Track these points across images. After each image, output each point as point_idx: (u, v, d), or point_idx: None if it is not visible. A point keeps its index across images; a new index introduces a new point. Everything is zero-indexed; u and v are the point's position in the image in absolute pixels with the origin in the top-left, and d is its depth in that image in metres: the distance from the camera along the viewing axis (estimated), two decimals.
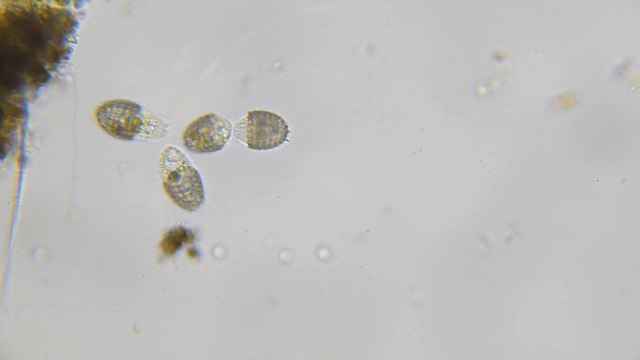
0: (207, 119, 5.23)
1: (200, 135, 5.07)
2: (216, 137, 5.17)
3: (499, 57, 5.35)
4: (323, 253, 5.37)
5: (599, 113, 5.35)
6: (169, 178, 5.11)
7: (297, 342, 5.38)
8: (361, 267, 5.38)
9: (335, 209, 5.38)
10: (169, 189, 5.25)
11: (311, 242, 5.38)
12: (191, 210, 5.30)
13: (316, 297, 5.36)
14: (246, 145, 5.27)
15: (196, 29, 5.33)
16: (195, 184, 5.27)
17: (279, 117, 5.27)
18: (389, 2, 5.35)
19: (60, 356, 5.36)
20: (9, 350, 5.35)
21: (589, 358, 5.37)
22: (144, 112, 5.24)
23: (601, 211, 5.36)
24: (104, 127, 5.24)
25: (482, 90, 5.36)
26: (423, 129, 5.36)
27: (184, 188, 5.26)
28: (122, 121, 5.18)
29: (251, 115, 5.26)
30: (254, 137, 5.24)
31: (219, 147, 5.25)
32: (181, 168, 5.22)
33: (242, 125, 5.24)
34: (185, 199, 5.28)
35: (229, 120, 5.27)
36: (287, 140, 5.28)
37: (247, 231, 5.37)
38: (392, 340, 5.38)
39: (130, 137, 5.26)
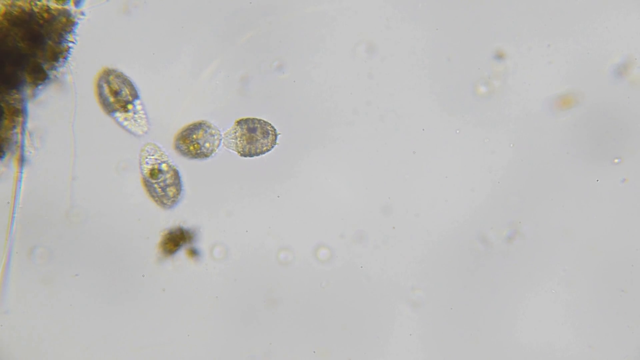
0: (200, 126, 5.24)
1: (193, 140, 5.08)
2: (207, 145, 5.18)
3: (499, 57, 5.35)
4: (323, 253, 5.37)
5: (599, 113, 5.35)
6: (152, 175, 5.10)
7: (297, 342, 5.39)
8: (361, 267, 5.39)
9: (335, 209, 5.38)
10: (149, 185, 5.24)
11: (311, 242, 5.38)
12: (168, 207, 5.28)
13: (322, 286, 5.36)
14: (237, 154, 5.27)
15: (196, 29, 5.33)
16: (177, 180, 5.27)
17: (267, 122, 5.28)
18: (389, 2, 5.35)
19: (60, 356, 5.36)
20: (9, 350, 5.35)
21: (589, 358, 5.37)
22: (137, 103, 5.23)
23: (601, 211, 5.36)
24: (97, 86, 5.22)
25: (482, 90, 5.36)
26: (423, 129, 5.37)
27: (166, 184, 5.25)
28: (116, 91, 5.17)
29: (239, 123, 5.26)
30: (245, 144, 5.24)
31: (207, 156, 5.26)
32: (165, 165, 5.22)
33: (231, 135, 5.24)
34: (167, 195, 5.26)
35: (219, 129, 5.28)
36: (277, 144, 5.29)
37: (247, 231, 5.37)
38: (392, 340, 5.39)
39: (110, 112, 5.24)
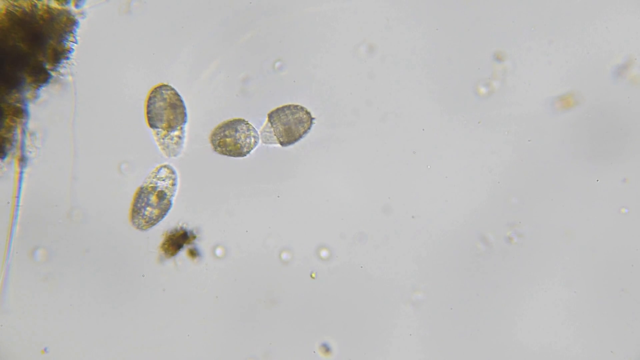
0: (238, 123, 5.22)
1: (233, 139, 5.07)
2: (245, 144, 5.18)
3: (499, 57, 5.35)
4: (323, 253, 5.37)
5: (599, 113, 5.35)
6: (156, 196, 5.12)
7: (297, 342, 5.38)
8: (361, 267, 5.39)
9: (335, 209, 5.38)
10: (140, 197, 5.24)
11: (311, 242, 5.38)
12: (137, 227, 5.27)
13: (313, 277, 5.36)
14: (279, 145, 5.28)
15: (196, 29, 5.34)
16: (163, 211, 5.28)
17: (297, 107, 5.26)
18: (389, 2, 5.36)
19: (60, 356, 5.36)
20: (9, 350, 5.35)
21: (589, 358, 5.36)
22: (180, 129, 5.25)
23: (601, 211, 5.36)
24: (156, 97, 5.22)
25: (482, 90, 5.36)
26: (423, 129, 5.37)
27: (154, 207, 5.24)
28: (164, 111, 5.17)
29: (271, 116, 5.25)
30: (284, 135, 5.24)
31: (243, 154, 5.26)
32: (169, 192, 5.22)
33: (267, 130, 5.23)
34: (149, 216, 5.25)
35: (255, 127, 5.28)
36: (314, 120, 5.28)
37: (247, 231, 5.37)
38: (392, 340, 5.38)
39: (151, 124, 5.25)
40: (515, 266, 5.37)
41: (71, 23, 5.22)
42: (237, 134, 5.19)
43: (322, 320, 5.39)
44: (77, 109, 5.29)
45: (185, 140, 5.29)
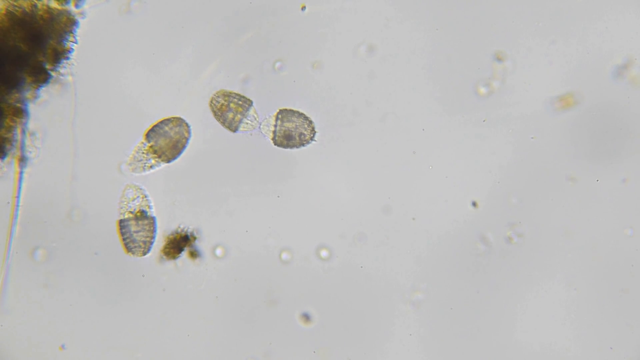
0: (250, 103, 5.19)
1: (238, 108, 5.03)
2: (244, 122, 5.16)
3: (499, 57, 5.35)
4: (323, 253, 5.37)
5: (599, 113, 5.35)
6: (138, 217, 5.12)
7: (297, 342, 5.38)
8: (361, 267, 5.39)
9: (335, 209, 5.38)
10: (124, 227, 5.24)
11: (311, 242, 5.38)
12: (133, 254, 5.27)
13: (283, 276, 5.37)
14: (271, 142, 5.28)
15: (196, 29, 5.34)
16: (150, 231, 5.27)
17: (306, 120, 5.25)
18: (389, 2, 5.36)
19: (60, 356, 5.36)
20: (9, 350, 5.35)
21: (588, 358, 5.37)
22: (158, 163, 5.24)
23: (601, 211, 5.36)
24: (171, 123, 5.23)
25: (482, 90, 5.36)
26: (423, 129, 5.37)
27: (142, 228, 5.24)
28: (164, 140, 5.18)
29: (280, 113, 5.25)
30: (280, 137, 5.24)
31: (233, 129, 5.22)
32: (146, 207, 5.22)
33: (270, 124, 5.23)
34: (140, 240, 5.25)
35: (260, 116, 5.27)
36: (314, 140, 5.28)
37: (247, 231, 5.37)
38: (392, 340, 5.38)
39: (146, 135, 5.25)
40: (515, 266, 5.37)
41: (71, 23, 5.22)
42: (247, 111, 5.17)
43: (321, 320, 5.39)
44: (77, 109, 5.29)
45: (152, 171, 5.28)
